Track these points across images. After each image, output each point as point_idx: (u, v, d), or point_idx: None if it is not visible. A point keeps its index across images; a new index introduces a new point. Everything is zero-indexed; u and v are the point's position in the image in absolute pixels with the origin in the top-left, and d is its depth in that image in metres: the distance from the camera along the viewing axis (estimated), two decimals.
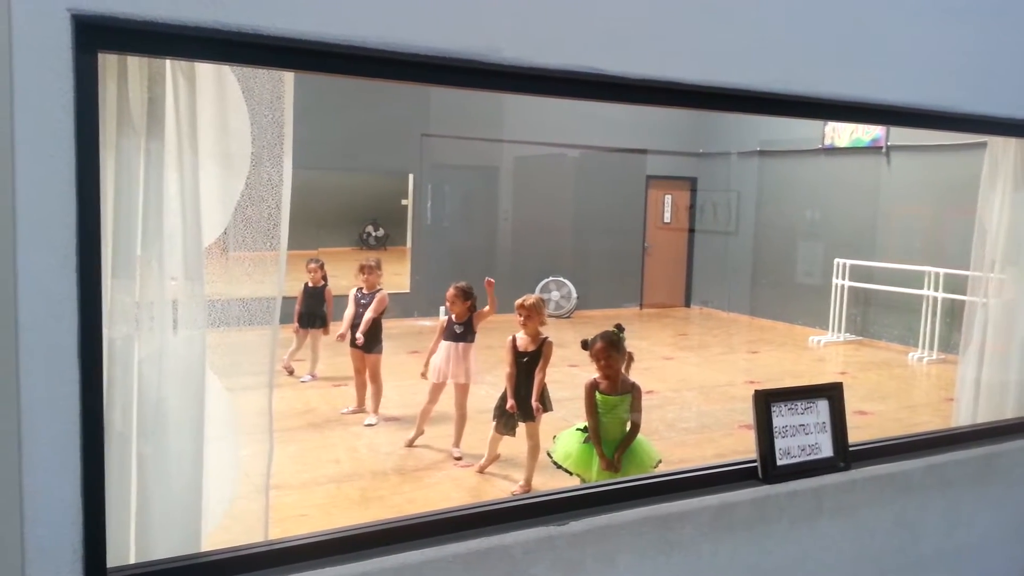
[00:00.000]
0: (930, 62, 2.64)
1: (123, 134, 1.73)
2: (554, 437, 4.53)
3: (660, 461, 4.25)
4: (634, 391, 4.20)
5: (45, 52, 1.46)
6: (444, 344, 5.64)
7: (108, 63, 1.67)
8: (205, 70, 1.86)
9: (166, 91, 1.78)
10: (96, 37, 1.52)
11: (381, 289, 6.52)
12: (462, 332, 5.64)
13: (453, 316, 5.65)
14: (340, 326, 6.66)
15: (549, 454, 4.43)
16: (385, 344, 6.57)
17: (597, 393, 4.14)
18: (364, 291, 6.50)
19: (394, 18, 1.77)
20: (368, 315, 6.36)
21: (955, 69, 2.71)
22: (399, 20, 1.77)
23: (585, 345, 4.25)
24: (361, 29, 1.73)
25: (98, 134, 1.56)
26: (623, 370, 4.24)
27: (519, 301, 5.07)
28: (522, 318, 5.03)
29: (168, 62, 1.77)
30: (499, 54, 1.90)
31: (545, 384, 5.03)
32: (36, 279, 1.49)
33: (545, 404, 5.05)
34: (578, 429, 4.31)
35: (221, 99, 1.91)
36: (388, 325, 6.71)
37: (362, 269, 6.52)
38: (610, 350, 4.14)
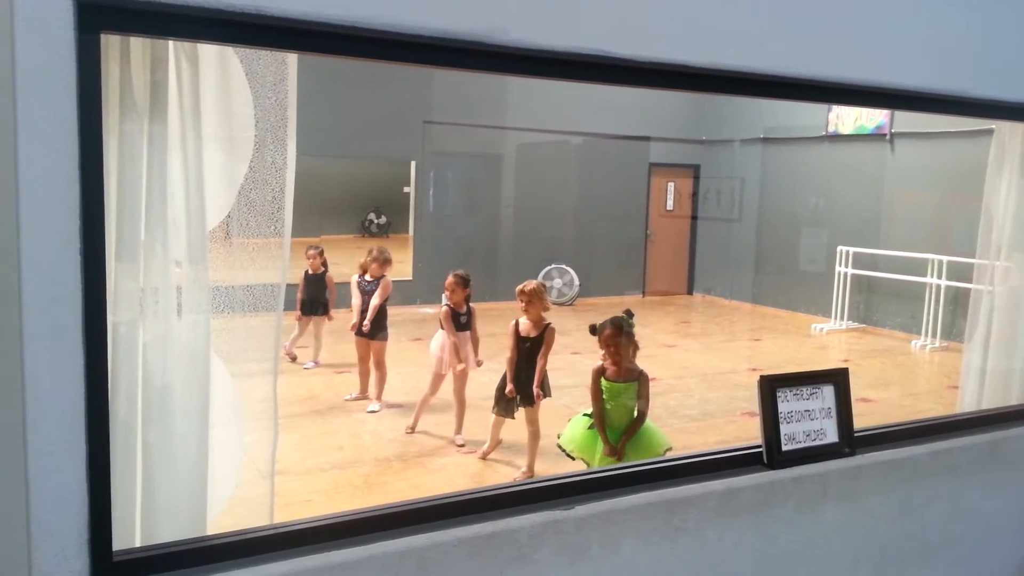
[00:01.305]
0: (938, 45, 2.62)
1: (126, 117, 1.71)
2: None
3: (670, 448, 4.20)
4: (641, 379, 4.17)
5: (47, 33, 1.45)
6: (453, 335, 5.64)
7: (111, 45, 1.65)
8: (208, 52, 1.85)
9: (169, 74, 1.77)
10: (99, 18, 1.50)
11: (385, 276, 6.52)
12: (467, 322, 5.66)
13: (453, 305, 5.65)
14: (347, 315, 6.66)
15: (560, 447, 4.41)
16: (388, 331, 6.57)
17: (603, 379, 4.13)
18: (368, 278, 6.49)
19: None
20: (375, 302, 6.36)
21: (963, 53, 2.68)
22: (403, 0, 1.76)
23: (593, 330, 4.21)
24: (364, 9, 1.72)
25: (101, 117, 1.55)
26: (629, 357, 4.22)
27: (520, 287, 5.07)
28: (523, 304, 5.02)
29: (171, 44, 1.75)
30: (505, 36, 1.88)
31: (546, 370, 5.03)
32: (40, 263, 1.48)
33: (545, 390, 5.05)
34: (585, 415, 4.29)
35: (225, 82, 1.89)
36: (391, 312, 6.72)
37: (378, 261, 6.47)
38: (618, 336, 4.12)
